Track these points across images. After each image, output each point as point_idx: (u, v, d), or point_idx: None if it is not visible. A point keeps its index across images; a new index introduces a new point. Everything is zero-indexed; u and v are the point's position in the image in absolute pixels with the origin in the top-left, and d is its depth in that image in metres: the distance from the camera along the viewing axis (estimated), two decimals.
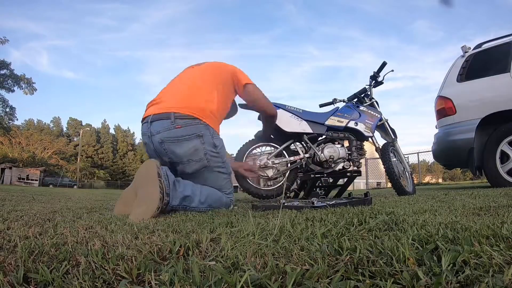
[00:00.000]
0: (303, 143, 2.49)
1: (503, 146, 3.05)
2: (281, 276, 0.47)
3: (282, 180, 2.41)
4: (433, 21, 72.69)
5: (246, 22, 75.70)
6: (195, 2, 69.74)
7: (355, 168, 2.48)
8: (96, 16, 64.54)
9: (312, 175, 2.42)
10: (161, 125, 1.63)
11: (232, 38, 75.60)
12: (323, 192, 2.94)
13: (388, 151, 2.58)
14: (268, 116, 2.14)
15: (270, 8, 73.57)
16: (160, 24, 68.87)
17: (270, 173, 2.36)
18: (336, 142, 2.50)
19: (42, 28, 61.99)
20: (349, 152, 2.46)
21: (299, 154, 2.43)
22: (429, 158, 11.57)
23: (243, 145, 2.44)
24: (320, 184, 2.97)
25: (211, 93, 1.75)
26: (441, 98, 3.50)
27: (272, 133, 2.41)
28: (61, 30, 63.90)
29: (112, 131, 50.86)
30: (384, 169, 2.59)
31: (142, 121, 1.76)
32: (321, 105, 2.91)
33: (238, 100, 2.15)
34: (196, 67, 1.92)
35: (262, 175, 2.37)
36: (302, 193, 2.75)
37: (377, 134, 2.77)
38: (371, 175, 13.31)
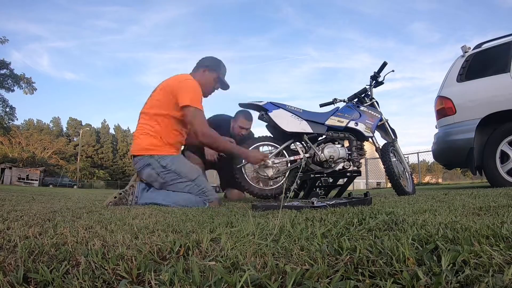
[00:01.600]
0: (303, 143, 2.49)
1: (503, 146, 3.05)
2: (281, 276, 0.47)
3: (282, 180, 2.42)
4: (430, 23, 73.16)
5: (244, 25, 76.19)
6: (194, 5, 70.43)
7: (355, 168, 2.48)
8: (96, 18, 65.47)
9: (312, 175, 2.42)
10: (133, 162, 2.23)
11: (231, 40, 76.14)
12: (323, 192, 2.94)
13: (388, 151, 2.58)
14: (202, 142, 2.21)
15: (268, 10, 74.14)
16: (159, 26, 69.58)
17: (270, 172, 2.36)
18: (336, 142, 2.49)
19: (43, 30, 62.80)
20: (349, 152, 2.46)
21: (299, 154, 2.43)
22: (429, 158, 11.57)
23: (244, 144, 2.45)
24: (320, 184, 2.97)
25: (152, 128, 2.14)
26: (441, 98, 3.50)
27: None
28: (62, 32, 64.73)
29: (112, 131, 50.87)
30: (384, 169, 2.59)
31: None
32: (322, 105, 2.90)
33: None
34: (147, 101, 2.23)
35: (262, 175, 2.37)
36: (302, 193, 2.76)
37: (377, 134, 2.77)
38: (371, 175, 13.31)
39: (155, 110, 2.15)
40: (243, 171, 2.39)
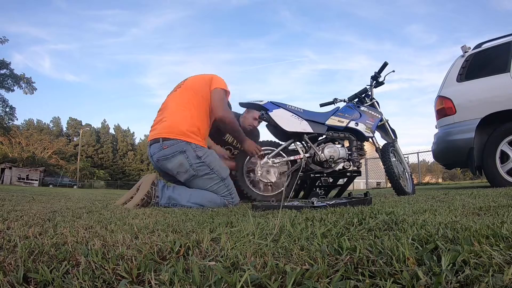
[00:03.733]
0: (303, 142, 2.48)
1: (503, 146, 3.05)
2: (281, 276, 0.47)
3: (284, 182, 2.41)
4: (427, 25, 73.46)
5: (243, 28, 76.67)
6: (193, 9, 70.94)
7: (355, 168, 2.48)
8: (97, 21, 66.02)
9: (312, 175, 2.42)
10: (155, 148, 2.04)
11: (229, 43, 76.58)
12: (323, 192, 2.94)
13: (388, 152, 2.58)
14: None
15: (266, 14, 74.64)
16: (159, 29, 70.19)
17: (271, 175, 2.35)
18: (337, 142, 2.49)
19: (45, 33, 63.49)
20: (349, 152, 2.46)
21: (299, 153, 2.43)
22: (429, 158, 11.57)
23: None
24: (320, 184, 2.97)
25: (191, 117, 2.07)
26: (441, 98, 3.50)
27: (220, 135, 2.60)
28: (63, 35, 65.44)
29: (112, 131, 50.88)
30: (384, 169, 2.59)
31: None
32: (322, 105, 2.90)
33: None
34: (177, 92, 2.20)
35: (265, 181, 2.36)
36: (302, 193, 2.75)
37: (377, 134, 2.77)
38: (371, 175, 13.31)
39: (194, 102, 2.10)
40: (244, 176, 2.38)
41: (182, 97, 2.13)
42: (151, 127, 2.18)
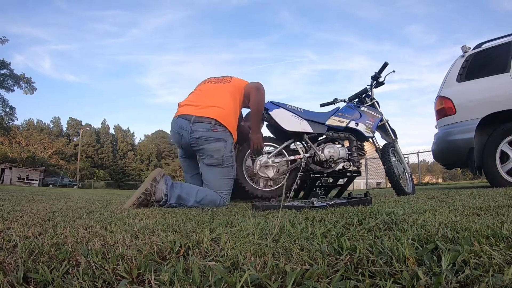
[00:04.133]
0: (303, 142, 2.49)
1: (503, 146, 3.05)
2: (281, 276, 0.47)
3: (283, 180, 2.41)
4: (427, 26, 73.65)
5: (242, 28, 77.02)
6: (193, 9, 71.23)
7: (355, 168, 2.48)
8: (97, 22, 66.44)
9: (312, 175, 2.42)
10: (203, 126, 2.10)
11: (229, 43, 76.87)
12: (323, 192, 2.94)
13: (388, 152, 2.58)
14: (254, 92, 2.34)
15: (265, 15, 74.91)
16: (159, 29, 70.53)
17: (270, 172, 2.36)
18: (337, 142, 2.49)
19: (45, 34, 63.87)
20: (349, 152, 2.46)
21: (299, 153, 2.43)
22: (429, 158, 11.56)
23: (244, 145, 2.45)
24: (320, 184, 2.97)
25: (234, 113, 2.24)
26: (441, 98, 3.50)
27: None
28: (64, 36, 65.80)
29: (112, 131, 50.89)
30: (384, 169, 2.59)
31: (179, 117, 2.17)
32: (322, 105, 2.90)
33: None
34: (226, 85, 2.32)
35: (263, 176, 2.37)
36: (302, 193, 2.75)
37: (377, 135, 2.77)
38: (371, 175, 13.31)
39: (240, 103, 2.31)
40: (244, 172, 2.38)
41: (232, 92, 2.27)
42: (187, 101, 2.26)
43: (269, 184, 2.42)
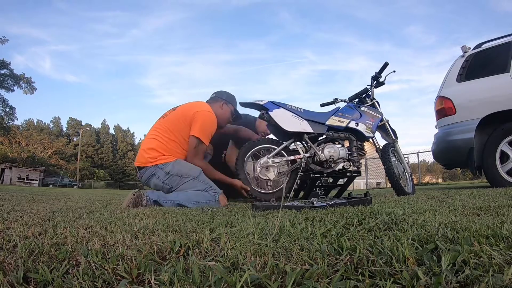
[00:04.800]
0: (303, 142, 2.48)
1: (503, 146, 3.05)
2: (281, 276, 0.47)
3: (283, 182, 2.41)
4: (426, 26, 73.96)
5: (242, 29, 77.40)
6: (193, 10, 71.68)
7: (355, 168, 2.47)
8: (97, 23, 66.83)
9: (312, 175, 2.42)
10: (139, 174, 2.35)
11: (229, 44, 77.25)
12: (323, 192, 2.93)
13: (388, 152, 2.58)
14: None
15: (265, 16, 75.33)
16: (159, 30, 70.98)
17: (271, 173, 2.35)
18: (337, 142, 2.49)
19: (45, 34, 64.21)
20: (349, 152, 2.46)
21: (299, 153, 2.43)
22: (429, 158, 11.56)
23: (246, 144, 2.44)
24: (320, 184, 2.96)
25: (156, 142, 2.28)
26: (441, 98, 3.50)
27: None
28: (64, 36, 66.24)
29: (112, 131, 50.89)
30: (384, 169, 2.59)
31: None
32: (322, 105, 2.90)
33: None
34: (161, 120, 2.40)
35: (264, 178, 2.36)
36: (302, 193, 2.75)
37: (377, 135, 2.77)
38: (371, 175, 13.31)
39: (165, 128, 2.32)
40: (244, 173, 2.38)
41: (157, 127, 2.35)
42: None
43: (269, 184, 2.41)
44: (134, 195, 1.99)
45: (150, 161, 2.26)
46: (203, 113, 2.32)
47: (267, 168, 2.35)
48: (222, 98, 2.56)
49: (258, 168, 2.34)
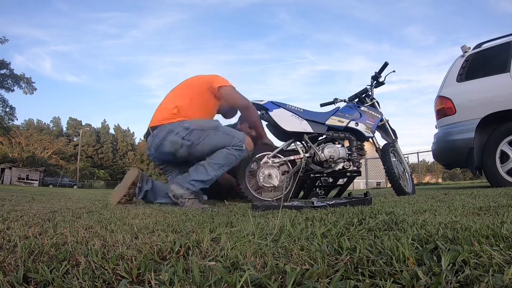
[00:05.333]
0: (303, 142, 2.48)
1: (503, 146, 3.05)
2: (281, 276, 0.47)
3: (287, 186, 2.40)
4: (425, 27, 74.33)
5: (242, 30, 77.90)
6: (192, 12, 72.17)
7: (355, 168, 2.47)
8: (97, 23, 67.30)
9: (312, 175, 2.42)
10: (149, 140, 2.17)
11: (228, 44, 77.72)
12: (323, 192, 2.93)
13: (388, 152, 2.58)
14: (244, 112, 2.34)
15: (264, 17, 75.82)
16: (159, 31, 71.47)
17: (274, 179, 2.33)
18: (337, 142, 2.49)
19: (46, 35, 64.70)
20: (349, 152, 2.46)
21: (299, 153, 2.43)
22: (429, 158, 11.56)
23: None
24: (320, 184, 2.96)
25: (181, 102, 2.18)
26: (441, 98, 3.50)
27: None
28: (64, 37, 66.82)
29: (112, 131, 50.89)
30: (384, 169, 2.59)
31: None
32: (322, 105, 2.90)
33: None
34: (176, 87, 2.32)
35: (267, 186, 2.35)
36: (302, 193, 2.75)
37: (377, 135, 2.77)
38: (371, 175, 13.31)
39: (190, 92, 2.23)
40: (246, 180, 2.37)
41: (172, 94, 2.27)
42: None
43: (270, 189, 2.40)
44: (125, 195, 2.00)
45: (172, 118, 2.12)
46: (215, 75, 2.29)
47: (269, 175, 2.34)
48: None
49: (261, 177, 2.34)
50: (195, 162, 2.14)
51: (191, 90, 2.25)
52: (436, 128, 3.67)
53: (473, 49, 3.56)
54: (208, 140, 2.08)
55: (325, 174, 2.45)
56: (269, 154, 2.41)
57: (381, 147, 2.65)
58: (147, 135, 2.23)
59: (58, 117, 49.96)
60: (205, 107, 2.25)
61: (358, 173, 2.52)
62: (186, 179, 2.04)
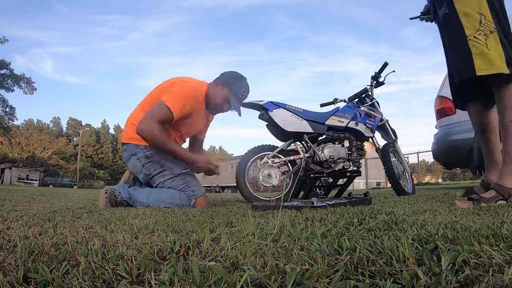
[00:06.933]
0: (303, 142, 2.48)
1: None
2: (281, 276, 0.47)
3: (288, 184, 2.41)
4: (422, 28, 74.82)
5: (240, 32, 78.52)
6: (191, 15, 72.72)
7: (355, 168, 2.48)
8: (98, 26, 68.21)
9: (312, 175, 2.42)
10: (122, 150, 2.16)
11: (227, 46, 78.27)
12: (323, 192, 2.93)
13: (388, 152, 2.58)
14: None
15: (262, 19, 76.33)
16: (159, 33, 72.02)
17: (273, 179, 2.34)
18: (337, 142, 2.49)
19: (47, 37, 65.64)
20: (349, 152, 2.46)
21: (299, 153, 2.43)
22: (429, 158, 11.57)
23: (246, 153, 2.44)
24: (320, 184, 2.96)
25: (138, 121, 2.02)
26: (441, 98, 3.50)
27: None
28: (65, 39, 67.77)
29: (112, 131, 50.90)
30: (384, 169, 2.59)
31: None
32: (322, 105, 2.90)
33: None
34: (145, 98, 2.18)
35: (267, 185, 2.35)
36: (302, 193, 2.75)
37: (377, 135, 2.77)
38: (371, 175, 13.31)
39: (148, 104, 2.07)
40: (245, 179, 2.37)
41: (145, 101, 2.13)
42: None
43: (270, 188, 2.41)
44: (106, 193, 1.90)
45: (133, 138, 2.03)
46: (179, 82, 2.03)
47: (269, 175, 2.34)
48: (222, 79, 2.15)
49: (261, 177, 2.34)
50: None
51: (150, 104, 2.05)
52: (436, 128, 3.67)
53: None
54: (163, 178, 2.04)
55: (325, 174, 2.45)
56: (269, 154, 2.41)
57: (381, 147, 2.65)
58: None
59: (58, 117, 50.08)
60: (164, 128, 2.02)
61: (358, 173, 2.52)
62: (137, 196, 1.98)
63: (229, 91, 2.11)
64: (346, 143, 2.53)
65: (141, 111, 2.06)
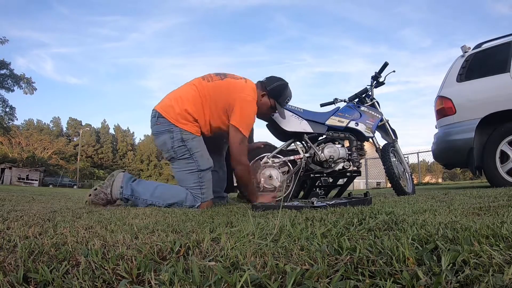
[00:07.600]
0: (303, 142, 2.48)
1: (503, 146, 3.05)
2: (281, 276, 0.47)
3: (289, 184, 2.40)
4: (421, 29, 75.03)
5: (240, 33, 78.82)
6: (191, 16, 73.29)
7: (355, 168, 2.47)
8: (98, 27, 68.32)
9: (312, 175, 2.42)
10: (152, 119, 2.07)
11: (227, 47, 78.69)
12: (323, 192, 2.93)
13: (388, 152, 2.58)
14: (234, 168, 2.07)
15: (262, 20, 76.86)
16: (159, 34, 72.38)
17: (274, 180, 2.33)
18: (337, 142, 2.49)
19: (47, 38, 65.90)
20: (349, 152, 2.46)
21: (299, 153, 2.43)
22: (429, 158, 11.57)
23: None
24: (320, 184, 2.96)
25: (196, 106, 2.02)
26: (441, 98, 3.50)
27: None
28: (66, 39, 67.97)
29: (112, 131, 50.92)
30: (384, 169, 2.59)
31: None
32: (322, 105, 2.90)
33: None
34: (202, 82, 2.09)
35: (268, 187, 2.34)
36: (302, 193, 2.75)
37: (377, 135, 2.77)
38: (371, 175, 13.31)
39: (211, 101, 2.03)
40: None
41: (199, 90, 2.05)
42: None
43: (271, 190, 2.40)
44: (90, 196, 1.91)
45: (179, 121, 1.98)
46: (244, 103, 2.01)
47: (270, 176, 2.34)
48: (266, 87, 2.17)
49: (262, 179, 2.34)
50: None
51: (214, 107, 2.04)
52: (436, 128, 3.67)
53: (473, 49, 3.56)
54: (184, 166, 1.98)
55: (325, 174, 2.45)
56: (269, 154, 2.41)
57: (381, 147, 2.65)
58: (153, 112, 2.09)
59: (58, 117, 50.06)
60: (215, 121, 2.07)
61: (358, 173, 2.52)
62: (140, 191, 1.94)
63: (276, 102, 2.20)
64: (346, 143, 2.53)
65: (192, 101, 2.01)
